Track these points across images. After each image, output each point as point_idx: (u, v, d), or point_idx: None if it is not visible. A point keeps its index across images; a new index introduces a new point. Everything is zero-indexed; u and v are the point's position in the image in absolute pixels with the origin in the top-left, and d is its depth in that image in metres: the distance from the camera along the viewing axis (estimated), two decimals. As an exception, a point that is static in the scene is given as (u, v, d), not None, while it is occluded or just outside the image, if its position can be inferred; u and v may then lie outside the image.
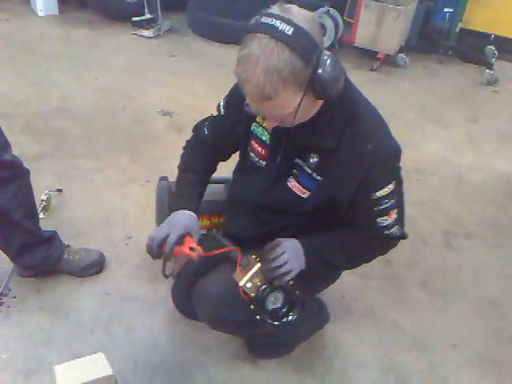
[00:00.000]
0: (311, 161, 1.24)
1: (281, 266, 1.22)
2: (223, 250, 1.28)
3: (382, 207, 1.23)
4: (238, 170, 1.49)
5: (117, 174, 2.41)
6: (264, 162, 1.34)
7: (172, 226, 1.24)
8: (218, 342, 1.63)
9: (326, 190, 1.24)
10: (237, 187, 1.51)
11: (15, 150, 1.55)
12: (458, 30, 3.99)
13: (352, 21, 4.00)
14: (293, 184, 1.29)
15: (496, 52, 3.98)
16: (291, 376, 1.59)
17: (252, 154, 1.37)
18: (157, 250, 1.25)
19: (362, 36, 3.75)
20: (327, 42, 3.88)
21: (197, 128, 1.51)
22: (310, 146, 1.23)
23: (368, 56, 3.83)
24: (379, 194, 1.20)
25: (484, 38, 4.09)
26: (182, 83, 3.32)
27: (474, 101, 3.59)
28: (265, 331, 1.44)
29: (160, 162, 2.52)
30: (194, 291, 1.45)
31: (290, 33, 0.96)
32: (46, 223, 2.00)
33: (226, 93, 1.42)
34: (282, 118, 1.10)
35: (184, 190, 1.43)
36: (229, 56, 3.71)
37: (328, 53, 1.02)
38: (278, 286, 1.23)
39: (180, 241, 1.23)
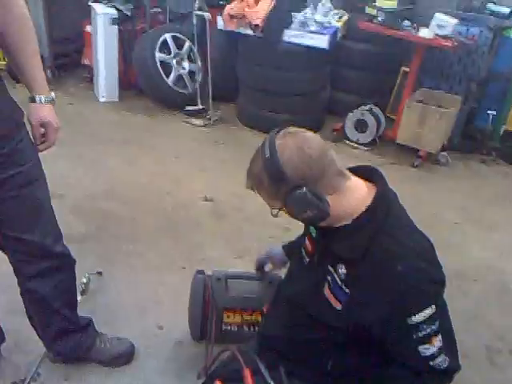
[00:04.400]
0: (340, 271, 1.20)
1: None
2: None
3: (420, 334, 1.13)
4: (290, 267, 1.52)
5: (156, 257, 2.47)
6: (308, 259, 1.34)
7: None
8: None
9: (354, 305, 1.18)
10: (283, 283, 1.53)
11: (62, 230, 1.62)
12: (501, 132, 4.01)
13: (394, 117, 4.11)
14: (327, 292, 1.24)
15: (542, 156, 3.95)
16: None
17: (302, 249, 1.39)
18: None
19: (404, 134, 3.82)
20: (369, 137, 3.98)
21: None
22: (335, 253, 1.21)
23: (410, 153, 3.88)
24: (415, 319, 1.12)
25: (528, 140, 4.08)
26: (226, 170, 3.45)
27: (519, 203, 3.52)
28: None
29: (198, 248, 2.57)
30: None
31: (267, 155, 1.13)
32: (82, 306, 2.05)
33: None
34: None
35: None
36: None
37: (305, 190, 1.11)
38: None
39: None
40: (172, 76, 4.19)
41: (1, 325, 1.75)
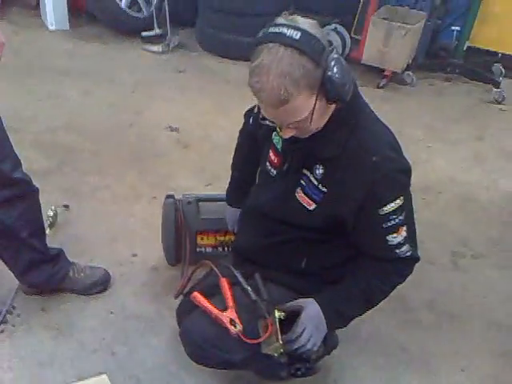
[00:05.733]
0: (317, 172, 1.24)
1: (304, 346, 1.24)
2: (265, 336, 1.23)
3: (390, 224, 1.21)
4: (257, 181, 1.51)
5: (124, 190, 2.42)
6: (274, 171, 1.35)
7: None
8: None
9: (330, 201, 1.23)
10: (251, 197, 1.52)
11: (23, 165, 1.56)
12: (465, 49, 3.99)
13: (359, 37, 4.01)
14: (300, 195, 1.28)
15: (503, 70, 3.98)
16: (297, 400, 1.57)
17: (267, 163, 1.38)
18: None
19: (370, 53, 3.75)
20: (334, 58, 3.90)
21: (246, 116, 1.56)
22: (314, 155, 1.23)
23: (375, 73, 3.83)
24: (386, 209, 1.19)
25: (491, 55, 4.09)
26: (189, 99, 3.34)
27: (481, 119, 3.58)
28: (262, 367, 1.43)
29: (167, 179, 2.53)
30: (181, 327, 1.43)
31: (297, 37, 1.00)
32: (51, 239, 2.01)
33: None
34: (298, 125, 1.12)
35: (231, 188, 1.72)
36: (235, 72, 3.74)
37: (335, 55, 1.05)
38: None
39: None
40: (125, -1, 3.92)
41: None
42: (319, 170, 1.24)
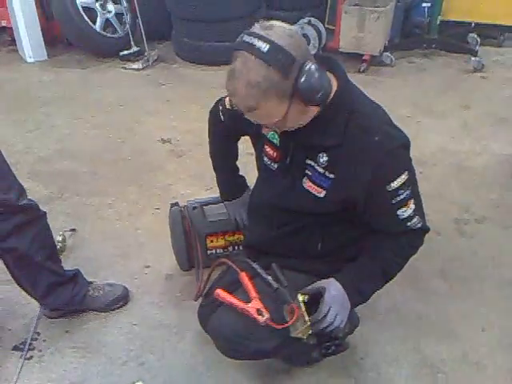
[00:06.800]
0: (321, 160, 1.27)
1: (330, 324, 1.27)
2: (292, 320, 1.25)
3: (398, 198, 1.25)
4: (258, 177, 1.54)
5: (126, 206, 2.44)
6: (275, 165, 1.38)
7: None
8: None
9: (340, 186, 1.27)
10: (255, 194, 1.56)
11: None
12: (438, 23, 4.05)
13: (333, 27, 4.07)
14: (308, 185, 1.31)
15: (478, 39, 4.04)
16: (327, 381, 1.60)
17: (265, 158, 1.41)
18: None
19: (346, 41, 3.82)
20: (312, 50, 3.94)
21: (213, 113, 1.59)
22: (315, 145, 1.26)
23: (354, 59, 3.89)
24: (394, 185, 1.23)
25: (465, 26, 4.16)
26: (176, 109, 3.38)
27: (464, 88, 3.64)
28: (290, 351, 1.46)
29: (167, 189, 2.56)
30: (209, 326, 1.46)
31: (266, 50, 1.05)
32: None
33: None
34: (275, 125, 1.17)
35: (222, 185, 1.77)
36: (216, 77, 3.78)
37: (310, 63, 1.09)
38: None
39: None
40: (99, 21, 3.97)
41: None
42: (323, 158, 1.27)
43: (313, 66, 1.09)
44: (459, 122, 3.20)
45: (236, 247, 1.97)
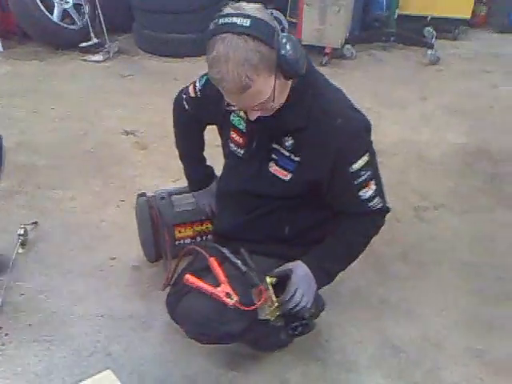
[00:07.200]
0: (286, 144, 1.31)
1: (297, 304, 1.30)
2: (260, 302, 1.28)
3: (360, 180, 1.30)
4: (225, 164, 1.55)
5: (90, 199, 2.41)
6: (242, 151, 1.40)
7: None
8: (218, 345, 1.65)
9: (304, 169, 1.31)
10: (222, 181, 1.58)
11: None
12: (396, 17, 4.16)
13: (295, 20, 4.11)
14: (274, 169, 1.35)
15: (434, 32, 4.18)
16: (296, 364, 1.64)
17: (231, 144, 1.43)
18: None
19: (308, 33, 3.87)
20: (275, 43, 3.97)
21: (177, 102, 1.60)
22: (281, 129, 1.29)
23: (316, 52, 3.94)
24: (355, 166, 1.28)
25: (422, 20, 4.29)
26: (139, 101, 3.34)
27: (421, 80, 3.75)
28: (258, 335, 1.49)
29: (132, 181, 2.53)
30: (177, 312, 1.47)
31: (248, 24, 1.05)
32: (26, 257, 2.01)
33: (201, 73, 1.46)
34: (262, 106, 1.17)
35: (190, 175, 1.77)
36: (181, 69, 3.77)
37: (285, 34, 1.11)
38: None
39: None
40: (56, 12, 3.87)
41: None
42: (289, 142, 1.30)
43: (291, 36, 1.11)
44: (417, 113, 3.31)
45: (204, 237, 1.97)
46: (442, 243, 2.20)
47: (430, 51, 3.96)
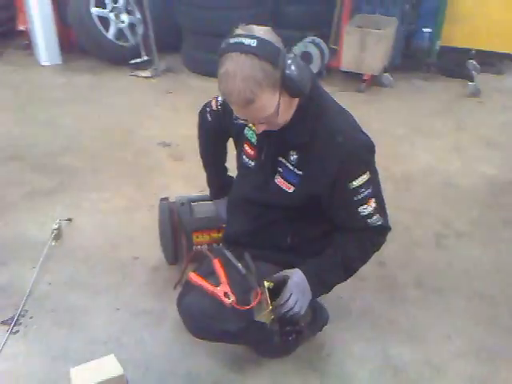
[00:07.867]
0: (291, 158, 1.40)
1: (291, 309, 1.37)
2: (255, 302, 1.36)
3: (360, 196, 1.36)
4: (237, 174, 1.67)
5: (122, 202, 2.57)
6: (252, 163, 1.51)
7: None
8: (224, 347, 1.72)
9: (307, 183, 1.39)
10: (235, 189, 1.69)
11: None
12: (438, 48, 4.19)
13: (337, 48, 4.22)
14: (279, 181, 1.45)
15: (478, 65, 4.17)
16: (295, 373, 1.68)
17: (244, 156, 1.54)
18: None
19: (347, 60, 3.96)
20: (314, 68, 4.09)
21: (201, 114, 1.74)
22: (286, 144, 1.39)
23: (355, 79, 4.03)
24: (355, 183, 1.35)
25: (465, 53, 4.29)
26: (178, 116, 3.53)
27: (460, 112, 3.74)
28: (257, 338, 1.55)
29: (163, 189, 2.67)
30: (181, 307, 1.55)
31: (255, 44, 1.16)
32: (58, 250, 2.17)
33: None
34: (267, 120, 1.27)
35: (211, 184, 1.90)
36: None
37: (291, 55, 1.21)
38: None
39: None
40: (112, 30, 4.15)
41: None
42: (293, 156, 1.40)
43: (296, 57, 1.21)
44: (451, 143, 3.30)
45: (221, 244, 2.07)
46: (458, 271, 2.19)
47: (470, 83, 3.96)
